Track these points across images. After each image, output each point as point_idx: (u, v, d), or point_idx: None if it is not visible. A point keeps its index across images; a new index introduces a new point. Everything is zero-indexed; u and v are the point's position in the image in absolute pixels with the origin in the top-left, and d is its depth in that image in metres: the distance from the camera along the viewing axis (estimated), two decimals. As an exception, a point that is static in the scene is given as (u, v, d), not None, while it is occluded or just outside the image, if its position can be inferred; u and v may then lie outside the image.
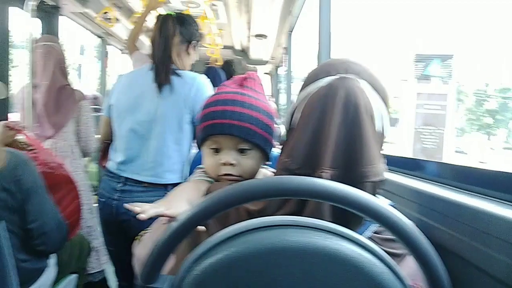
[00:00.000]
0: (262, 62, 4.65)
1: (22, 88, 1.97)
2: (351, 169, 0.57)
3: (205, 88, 1.42)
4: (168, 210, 0.64)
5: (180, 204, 0.69)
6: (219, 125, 0.76)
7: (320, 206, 0.56)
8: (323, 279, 0.44)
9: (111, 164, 1.44)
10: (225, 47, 3.95)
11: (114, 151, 1.46)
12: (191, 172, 0.91)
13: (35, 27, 2.06)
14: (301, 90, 0.68)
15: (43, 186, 1.29)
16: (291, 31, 3.01)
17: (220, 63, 3.60)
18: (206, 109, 0.79)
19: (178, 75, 1.40)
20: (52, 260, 1.38)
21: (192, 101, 1.37)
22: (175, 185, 1.38)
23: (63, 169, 1.50)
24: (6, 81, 2.23)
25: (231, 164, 0.78)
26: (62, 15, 2.70)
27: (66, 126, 1.95)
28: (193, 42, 1.51)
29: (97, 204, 1.50)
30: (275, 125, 0.84)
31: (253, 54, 4.33)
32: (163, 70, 1.39)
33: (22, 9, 1.91)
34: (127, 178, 1.39)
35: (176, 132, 1.39)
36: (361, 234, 0.57)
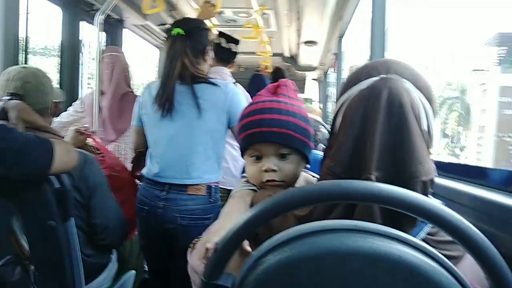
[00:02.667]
0: (311, 68, 4.64)
1: (90, 93, 2.14)
2: (400, 169, 0.56)
3: (238, 94, 1.50)
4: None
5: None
6: (259, 133, 0.79)
7: (370, 210, 0.56)
8: (386, 285, 0.44)
9: (149, 172, 1.48)
10: (275, 55, 3.99)
11: (151, 158, 1.50)
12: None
13: (102, 39, 2.23)
14: (341, 94, 0.68)
15: (107, 184, 1.39)
16: (342, 37, 2.98)
17: (270, 70, 3.65)
18: (244, 119, 0.82)
19: (213, 84, 1.47)
20: (114, 256, 1.48)
21: (225, 106, 1.45)
22: (215, 186, 1.48)
23: (127, 173, 1.60)
24: (76, 87, 2.45)
25: (273, 170, 0.80)
26: (125, 27, 2.90)
27: (128, 130, 2.08)
28: (206, 48, 1.55)
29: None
30: (313, 128, 0.85)
31: (302, 61, 4.34)
32: (167, 91, 1.44)
33: (92, 23, 2.08)
34: (170, 185, 1.43)
35: (212, 135, 1.46)
36: (415, 236, 0.56)
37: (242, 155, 0.86)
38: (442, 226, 0.43)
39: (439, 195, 0.61)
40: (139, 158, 1.63)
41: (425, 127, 0.61)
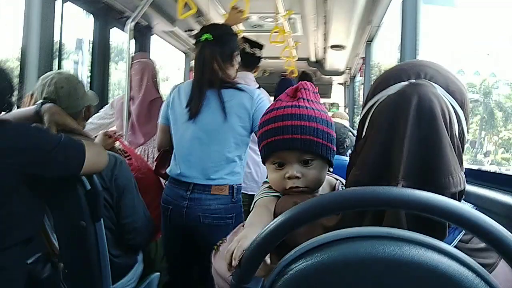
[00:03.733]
0: (338, 73, 4.58)
1: (119, 97, 2.20)
2: (428, 180, 0.54)
3: (263, 100, 1.53)
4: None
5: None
6: (281, 141, 0.77)
7: (397, 218, 0.54)
8: None
9: (174, 172, 1.53)
10: (300, 59, 3.97)
11: (176, 158, 1.54)
12: None
13: (131, 45, 2.29)
14: (370, 98, 0.66)
15: (135, 185, 1.42)
16: (371, 41, 2.92)
17: (295, 75, 3.63)
18: (265, 126, 0.80)
19: (241, 89, 1.51)
20: (140, 258, 1.50)
21: (251, 111, 1.49)
22: (238, 187, 1.51)
23: (153, 175, 1.63)
24: (106, 92, 2.52)
25: (297, 177, 0.78)
26: (153, 33, 2.97)
27: (156, 134, 2.12)
28: (234, 54, 1.58)
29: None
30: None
31: (328, 65, 4.29)
32: (197, 96, 1.49)
33: (123, 30, 2.14)
34: (194, 185, 1.47)
35: (236, 139, 1.49)
36: (449, 244, 0.54)
37: (264, 162, 0.84)
38: (476, 233, 0.42)
39: (470, 202, 0.59)
40: (164, 157, 1.67)
41: (456, 132, 0.59)
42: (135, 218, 1.38)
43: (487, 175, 1.10)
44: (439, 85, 0.60)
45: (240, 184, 1.55)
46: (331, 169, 0.85)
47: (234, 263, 0.57)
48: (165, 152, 1.66)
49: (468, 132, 0.62)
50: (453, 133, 0.57)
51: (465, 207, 0.42)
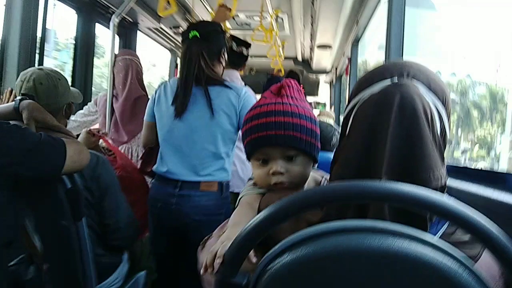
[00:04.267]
0: (324, 72, 4.61)
1: (102, 94, 2.16)
2: (410, 176, 0.55)
3: (250, 97, 1.53)
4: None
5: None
6: (265, 137, 0.78)
7: (382, 212, 0.55)
8: (406, 284, 0.44)
9: (161, 169, 1.51)
10: (287, 58, 3.98)
11: (163, 155, 1.53)
12: None
13: (115, 41, 2.25)
14: (353, 96, 0.67)
15: (118, 185, 1.39)
16: (358, 41, 2.95)
17: (282, 73, 3.64)
18: (249, 123, 0.80)
19: (227, 86, 1.51)
20: (125, 257, 1.48)
21: (238, 109, 1.49)
22: (226, 183, 1.51)
23: (138, 173, 1.61)
24: (89, 89, 2.47)
25: (281, 173, 0.78)
26: (139, 30, 2.93)
27: (140, 133, 2.09)
28: (221, 51, 1.58)
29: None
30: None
31: (315, 64, 4.32)
32: (183, 93, 1.48)
33: (108, 27, 2.10)
34: (183, 182, 1.46)
35: (224, 136, 1.49)
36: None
37: (248, 159, 0.85)
38: (458, 222, 0.43)
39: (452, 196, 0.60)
40: (149, 154, 1.65)
41: (438, 130, 0.60)
42: (118, 218, 1.35)
43: (466, 170, 1.13)
44: (421, 84, 0.61)
45: (229, 181, 1.55)
46: (316, 166, 0.85)
47: (218, 260, 0.57)
48: (150, 150, 1.65)
49: (450, 130, 0.64)
50: (434, 131, 0.59)
51: (446, 199, 0.43)
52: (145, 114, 1.64)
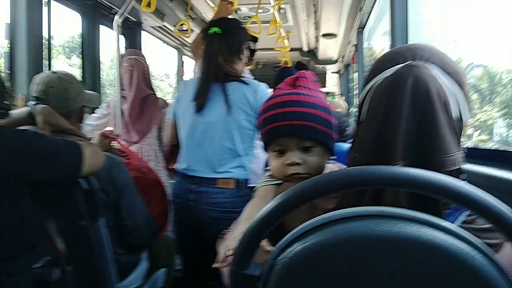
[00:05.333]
0: (331, 62, 4.57)
1: (113, 97, 2.17)
2: (425, 159, 0.55)
3: (268, 93, 1.52)
4: None
5: None
6: (281, 127, 0.78)
7: (398, 199, 0.54)
8: (417, 269, 0.43)
9: (181, 166, 1.54)
10: (293, 49, 3.95)
11: (183, 153, 1.55)
12: None
13: (121, 42, 2.26)
14: (367, 82, 0.66)
15: (133, 186, 1.41)
16: (362, 28, 2.91)
17: (290, 65, 3.61)
18: (265, 113, 0.81)
19: (244, 82, 1.50)
20: (144, 255, 1.50)
21: (255, 104, 1.48)
22: (244, 181, 1.50)
23: (153, 174, 1.63)
24: (98, 92, 2.49)
25: (297, 164, 0.79)
26: (143, 29, 2.93)
27: (150, 132, 2.11)
28: (242, 47, 1.58)
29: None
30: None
31: (321, 54, 4.28)
32: (204, 90, 1.50)
33: (111, 28, 2.10)
34: (201, 178, 1.47)
35: (241, 133, 1.49)
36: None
37: (265, 150, 0.85)
38: (478, 211, 0.42)
39: (475, 182, 0.59)
40: (173, 152, 1.67)
41: (455, 114, 0.59)
42: (135, 218, 1.37)
43: (491, 153, 1.10)
44: (435, 66, 0.60)
45: (247, 179, 1.54)
46: (333, 157, 0.85)
47: (228, 253, 0.57)
48: (173, 148, 1.67)
49: (469, 113, 0.62)
50: (449, 114, 0.58)
51: (461, 183, 0.42)
52: (168, 113, 1.67)
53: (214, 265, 0.68)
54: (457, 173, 0.56)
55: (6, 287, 0.97)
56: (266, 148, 0.84)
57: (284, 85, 0.84)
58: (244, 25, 1.62)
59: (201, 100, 1.49)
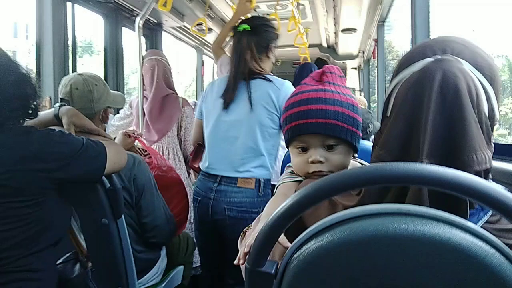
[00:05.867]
0: (351, 57, 4.50)
1: (136, 96, 2.23)
2: (452, 158, 0.53)
3: (291, 90, 1.48)
4: None
5: None
6: (305, 125, 0.76)
7: (421, 196, 0.52)
8: (434, 268, 0.42)
9: (204, 164, 1.55)
10: (312, 45, 3.91)
11: (207, 151, 1.56)
12: (282, 171, 0.92)
13: (143, 44, 2.30)
14: (394, 76, 0.64)
15: (155, 184, 1.43)
16: (383, 22, 2.85)
17: (309, 61, 3.58)
18: (289, 110, 0.79)
19: (268, 80, 1.49)
20: (163, 252, 1.53)
21: (278, 102, 1.46)
22: (265, 181, 1.48)
23: (174, 172, 1.66)
24: (121, 91, 2.55)
25: (320, 162, 0.77)
26: (164, 30, 2.98)
27: (170, 131, 2.14)
28: (270, 45, 1.57)
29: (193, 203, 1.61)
30: (366, 120, 0.81)
31: (341, 49, 4.22)
32: (232, 87, 1.49)
33: (133, 30, 2.15)
34: (222, 177, 1.47)
35: (263, 131, 1.47)
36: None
37: (287, 146, 0.84)
38: (499, 210, 0.40)
39: (502, 181, 0.57)
40: (198, 151, 1.70)
41: (485, 110, 0.56)
42: (155, 216, 1.40)
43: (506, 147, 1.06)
44: (466, 61, 0.58)
45: (269, 179, 1.52)
46: (356, 154, 0.83)
47: (246, 249, 0.58)
48: (199, 146, 1.69)
49: (499, 109, 0.60)
50: (480, 110, 0.55)
51: (485, 182, 0.40)
52: (196, 112, 1.69)
53: (235, 262, 0.68)
54: (486, 173, 0.54)
55: (31, 283, 1.01)
56: (288, 144, 0.83)
57: (310, 80, 0.82)
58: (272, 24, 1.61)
59: (228, 97, 1.49)
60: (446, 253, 0.41)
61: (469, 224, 0.43)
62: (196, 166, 1.66)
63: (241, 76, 1.49)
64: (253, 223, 0.85)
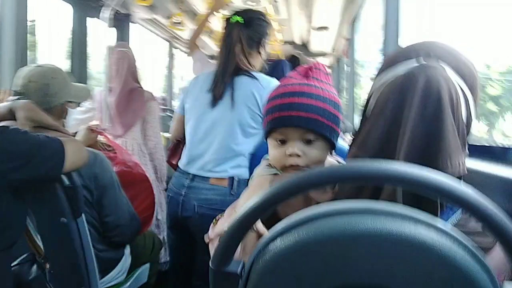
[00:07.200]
0: (323, 54, 4.55)
1: (99, 91, 2.15)
2: (428, 162, 0.53)
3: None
4: None
5: None
6: (287, 117, 0.76)
7: (394, 196, 0.53)
8: (400, 265, 0.42)
9: (181, 161, 1.49)
10: (285, 42, 3.92)
11: (186, 148, 1.50)
12: (255, 164, 0.91)
13: (110, 34, 2.23)
14: (377, 75, 0.65)
15: (117, 182, 1.38)
16: (355, 21, 2.89)
17: (282, 58, 3.59)
18: (272, 101, 0.79)
19: (253, 77, 1.42)
20: (127, 251, 1.49)
21: (261, 101, 1.39)
22: (240, 180, 1.42)
23: (140, 168, 1.61)
24: (85, 83, 2.46)
25: (297, 155, 0.77)
26: (133, 22, 2.89)
27: (135, 125, 2.08)
28: (262, 40, 1.50)
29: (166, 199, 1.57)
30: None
31: (313, 47, 4.26)
32: (222, 78, 1.42)
33: (99, 18, 2.07)
34: (194, 175, 1.43)
35: (244, 130, 1.41)
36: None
37: (266, 137, 0.84)
38: (470, 211, 0.40)
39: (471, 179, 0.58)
40: (177, 147, 1.63)
41: (464, 116, 0.57)
42: (118, 215, 1.35)
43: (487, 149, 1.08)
44: (449, 67, 0.58)
45: (245, 179, 1.45)
46: (333, 152, 0.84)
47: (213, 236, 0.56)
48: (178, 143, 1.62)
49: (476, 116, 0.61)
50: (459, 117, 0.56)
51: (453, 181, 0.41)
52: (177, 106, 1.61)
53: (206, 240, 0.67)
54: (459, 179, 0.55)
55: None
56: (266, 135, 0.83)
57: (296, 74, 0.82)
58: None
59: (216, 93, 1.41)
60: (412, 250, 0.41)
61: (434, 221, 0.43)
62: (174, 163, 1.59)
63: (230, 71, 1.41)
64: (226, 211, 0.84)
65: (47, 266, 1.23)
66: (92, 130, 1.65)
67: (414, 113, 0.55)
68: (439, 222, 0.43)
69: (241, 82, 1.41)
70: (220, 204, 1.40)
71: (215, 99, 1.41)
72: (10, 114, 1.19)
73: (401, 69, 0.60)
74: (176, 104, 4.96)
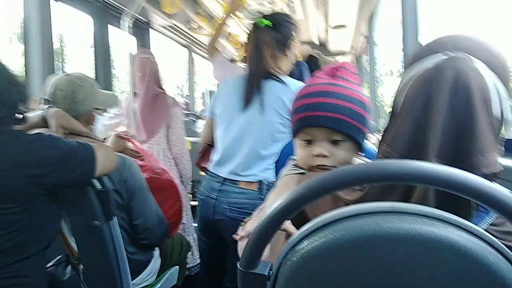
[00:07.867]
0: (342, 53, 4.51)
1: (126, 97, 2.20)
2: (460, 159, 0.52)
3: None
4: None
5: None
6: (313, 117, 0.76)
7: (427, 196, 0.52)
8: (430, 266, 0.41)
9: (211, 164, 1.50)
10: (303, 42, 3.91)
11: (216, 152, 1.51)
12: (280, 166, 0.91)
13: (131, 42, 2.28)
14: (405, 71, 0.64)
15: (145, 186, 1.42)
16: (372, 18, 2.86)
17: (300, 59, 3.58)
18: (299, 101, 0.79)
19: (282, 82, 1.42)
20: (156, 253, 1.52)
21: (289, 105, 1.37)
22: (269, 184, 1.42)
23: (167, 174, 1.63)
24: (110, 90, 2.52)
25: (324, 156, 0.77)
26: (152, 28, 2.95)
27: (160, 131, 2.12)
28: (290, 43, 1.49)
29: (196, 203, 1.58)
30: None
31: (331, 46, 4.23)
32: (255, 82, 1.42)
33: (119, 28, 2.13)
34: (225, 178, 1.44)
35: (274, 136, 1.41)
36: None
37: (293, 137, 0.83)
38: (504, 214, 0.39)
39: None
40: (207, 151, 1.63)
41: (496, 111, 0.56)
42: (147, 218, 1.38)
43: None
44: (479, 59, 0.57)
45: (274, 181, 1.43)
46: (361, 153, 0.83)
47: (244, 234, 0.56)
48: (208, 146, 1.62)
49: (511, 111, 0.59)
50: (490, 110, 0.55)
51: (490, 184, 0.39)
52: (207, 111, 1.63)
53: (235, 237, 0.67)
54: (492, 176, 0.54)
55: None
56: (294, 135, 0.82)
57: (323, 74, 0.81)
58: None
59: (248, 98, 1.41)
60: (442, 251, 0.41)
61: (465, 222, 0.42)
62: (203, 166, 1.60)
63: (259, 76, 1.41)
64: (254, 213, 0.84)
65: (81, 267, 1.27)
66: (120, 137, 1.69)
67: (444, 108, 0.53)
68: (467, 222, 0.42)
69: (270, 86, 1.41)
70: (250, 208, 1.39)
71: (245, 104, 1.42)
72: (43, 122, 1.24)
73: (428, 63, 0.59)
74: (198, 108, 5.02)
